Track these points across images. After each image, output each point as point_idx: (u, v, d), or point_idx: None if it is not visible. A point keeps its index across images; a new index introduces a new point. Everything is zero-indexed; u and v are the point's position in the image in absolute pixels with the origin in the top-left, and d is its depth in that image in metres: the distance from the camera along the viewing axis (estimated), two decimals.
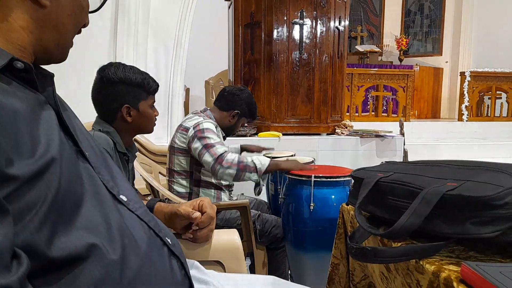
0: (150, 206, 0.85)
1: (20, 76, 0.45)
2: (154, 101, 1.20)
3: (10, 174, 0.38)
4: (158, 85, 1.20)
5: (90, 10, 0.57)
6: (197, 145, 1.53)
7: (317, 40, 3.05)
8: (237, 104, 1.70)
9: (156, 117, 1.22)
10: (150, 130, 1.22)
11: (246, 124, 1.96)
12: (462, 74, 5.53)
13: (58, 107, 0.50)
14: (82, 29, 0.56)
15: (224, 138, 1.75)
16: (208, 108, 1.74)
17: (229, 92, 1.75)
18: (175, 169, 1.64)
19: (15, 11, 0.46)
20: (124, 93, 1.11)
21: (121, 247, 0.48)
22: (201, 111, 1.72)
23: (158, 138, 2.85)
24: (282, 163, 1.56)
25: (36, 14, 0.47)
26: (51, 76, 0.52)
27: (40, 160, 0.41)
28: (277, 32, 2.99)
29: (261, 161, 1.51)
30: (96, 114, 1.17)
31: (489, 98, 5.70)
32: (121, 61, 1.17)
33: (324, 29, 3.06)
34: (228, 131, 1.75)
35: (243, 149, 2.01)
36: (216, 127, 1.62)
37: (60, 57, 0.54)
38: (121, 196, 0.55)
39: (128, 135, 1.17)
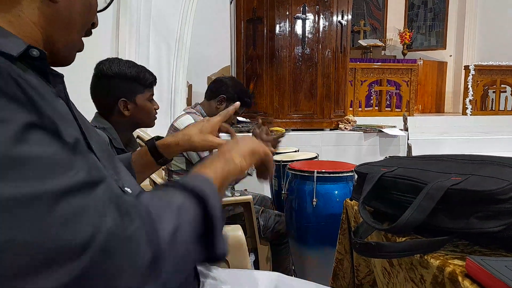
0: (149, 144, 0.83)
1: (35, 65, 0.45)
2: (153, 94, 1.20)
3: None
4: (155, 78, 1.20)
5: (98, 9, 0.57)
6: None
7: (320, 35, 3.03)
8: (222, 89, 1.68)
9: (157, 110, 1.22)
10: (150, 124, 1.22)
11: (246, 120, 1.92)
12: (466, 67, 5.49)
13: (68, 101, 0.51)
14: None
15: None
16: (199, 103, 1.72)
17: (213, 81, 1.75)
18: (172, 169, 1.64)
19: (27, 7, 0.46)
20: (119, 87, 1.12)
21: None
22: (191, 107, 1.71)
23: (161, 135, 2.85)
24: None
25: (48, 10, 0.48)
26: (60, 76, 0.52)
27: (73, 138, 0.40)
28: (280, 27, 2.97)
29: None
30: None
31: (493, 92, 5.66)
32: (123, 58, 1.17)
33: (326, 23, 3.04)
34: None
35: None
36: None
37: (67, 58, 0.54)
38: (126, 188, 0.55)
39: (127, 130, 1.18)
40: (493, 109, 5.64)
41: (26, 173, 0.31)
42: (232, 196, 1.71)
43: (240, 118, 2.79)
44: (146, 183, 1.87)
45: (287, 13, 2.97)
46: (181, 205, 0.43)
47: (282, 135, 1.54)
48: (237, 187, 1.83)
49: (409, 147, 3.19)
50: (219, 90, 1.67)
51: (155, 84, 1.20)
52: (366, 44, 6.96)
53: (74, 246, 0.31)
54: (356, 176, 0.83)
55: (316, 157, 1.76)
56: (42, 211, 0.31)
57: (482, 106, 5.74)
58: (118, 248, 0.34)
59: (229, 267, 1.01)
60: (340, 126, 3.18)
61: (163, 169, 1.79)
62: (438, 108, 6.93)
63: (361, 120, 3.49)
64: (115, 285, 0.34)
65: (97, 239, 0.33)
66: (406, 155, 3.10)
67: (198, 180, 0.48)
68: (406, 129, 3.26)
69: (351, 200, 0.91)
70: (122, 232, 0.35)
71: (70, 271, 0.31)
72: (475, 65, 5.42)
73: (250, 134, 1.99)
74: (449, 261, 0.52)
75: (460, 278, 0.48)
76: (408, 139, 3.21)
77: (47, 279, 0.30)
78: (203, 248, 0.44)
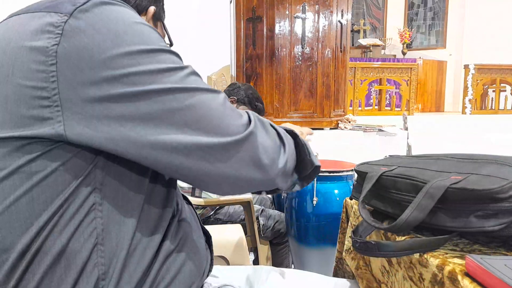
0: None
1: None
2: None
3: None
4: None
5: None
6: None
7: (320, 34, 3.03)
8: (234, 92, 1.72)
9: None
10: None
11: None
12: (466, 67, 5.49)
13: None
14: None
15: None
16: None
17: (229, 85, 1.79)
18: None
19: None
20: None
21: None
22: None
23: None
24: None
25: None
26: None
27: None
28: (279, 26, 2.97)
29: None
30: None
31: (493, 91, 5.66)
32: None
33: (326, 23, 3.04)
34: None
35: None
36: None
37: None
38: None
39: None
40: (493, 108, 5.64)
41: (202, 83, 0.50)
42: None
43: None
44: None
45: (287, 12, 2.97)
46: (283, 130, 0.59)
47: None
48: None
49: (409, 146, 3.19)
50: (231, 93, 1.72)
51: None
52: (366, 43, 6.96)
53: (245, 119, 0.51)
54: (355, 175, 0.83)
55: (316, 156, 1.76)
56: (221, 102, 0.49)
57: (482, 105, 5.74)
58: (264, 131, 0.53)
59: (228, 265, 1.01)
60: (340, 125, 3.18)
61: None
62: (438, 107, 6.94)
63: (360, 120, 3.49)
64: (266, 150, 0.51)
65: (251, 124, 0.51)
66: (406, 154, 3.10)
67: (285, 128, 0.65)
68: (406, 128, 3.26)
69: (351, 199, 0.91)
70: (264, 122, 0.54)
71: (242, 132, 0.49)
72: (475, 64, 5.42)
73: None
74: (449, 260, 0.52)
75: (459, 277, 0.48)
76: (408, 138, 3.21)
77: (229, 138, 0.48)
78: (298, 162, 0.61)
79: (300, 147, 0.61)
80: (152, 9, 0.68)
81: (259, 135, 0.51)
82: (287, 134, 0.59)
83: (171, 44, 0.76)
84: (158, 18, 0.70)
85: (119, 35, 0.44)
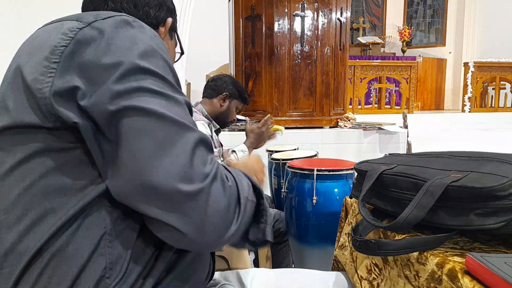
0: None
1: None
2: None
3: None
4: None
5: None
6: None
7: (319, 32, 3.02)
8: (223, 86, 1.68)
9: None
10: None
11: (245, 118, 1.91)
12: (466, 64, 5.49)
13: None
14: None
15: (219, 131, 1.73)
16: (199, 102, 1.71)
17: (212, 79, 1.75)
18: None
19: None
20: None
21: None
22: (193, 106, 1.71)
23: None
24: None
25: None
26: None
27: None
28: (278, 24, 2.97)
29: (243, 149, 1.56)
30: None
31: (493, 89, 5.66)
32: None
33: (325, 21, 3.03)
34: (223, 117, 1.69)
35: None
36: (208, 124, 1.61)
37: None
38: None
39: None
40: (493, 106, 5.64)
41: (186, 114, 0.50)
42: None
43: (238, 117, 2.79)
44: None
45: (286, 10, 2.96)
46: (248, 185, 0.56)
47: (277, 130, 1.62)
48: None
49: (409, 145, 3.19)
50: (220, 88, 1.66)
51: None
52: (365, 41, 6.96)
53: (202, 171, 0.47)
54: (355, 174, 0.83)
55: (315, 155, 1.76)
56: (192, 144, 0.47)
57: (482, 103, 5.74)
58: (221, 190, 0.49)
59: (228, 266, 1.01)
60: (339, 123, 3.18)
61: None
62: (437, 105, 6.94)
63: (360, 118, 3.48)
64: (219, 208, 0.48)
65: (207, 180, 0.47)
66: (405, 152, 3.10)
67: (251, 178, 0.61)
68: (405, 127, 3.26)
69: (350, 197, 0.91)
70: (225, 180, 0.50)
71: (199, 183, 0.46)
72: (474, 62, 5.42)
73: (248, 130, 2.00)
74: (449, 258, 0.52)
75: (460, 275, 0.48)
76: (407, 137, 3.21)
77: (188, 185, 0.45)
78: (254, 226, 0.59)
79: (260, 211, 0.60)
80: (169, 20, 0.73)
81: (212, 193, 0.47)
82: (251, 195, 0.55)
83: (182, 53, 0.81)
84: (173, 29, 0.75)
85: (123, 49, 0.47)
